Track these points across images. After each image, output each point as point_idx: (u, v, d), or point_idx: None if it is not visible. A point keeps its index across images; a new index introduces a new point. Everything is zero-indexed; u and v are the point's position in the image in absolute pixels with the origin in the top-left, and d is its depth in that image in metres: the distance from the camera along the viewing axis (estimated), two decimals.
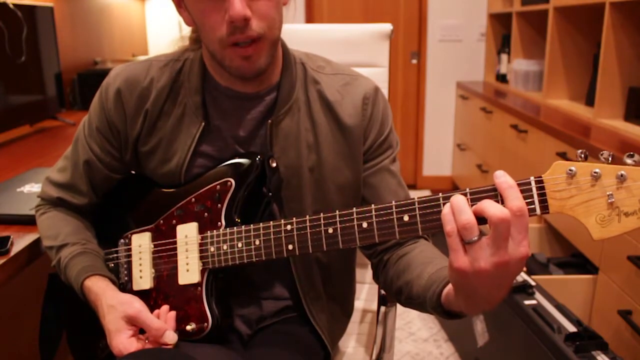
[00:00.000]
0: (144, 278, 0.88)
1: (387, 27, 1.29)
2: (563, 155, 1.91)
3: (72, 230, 0.92)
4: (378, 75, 1.27)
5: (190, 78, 0.90)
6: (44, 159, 1.38)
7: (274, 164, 0.87)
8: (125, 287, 0.90)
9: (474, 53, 3.66)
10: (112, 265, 0.92)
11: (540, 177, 0.63)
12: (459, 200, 0.61)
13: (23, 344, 1.60)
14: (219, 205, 0.85)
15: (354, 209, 0.73)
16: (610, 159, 0.61)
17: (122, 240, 0.92)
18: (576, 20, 2.41)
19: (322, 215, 0.75)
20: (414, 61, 3.73)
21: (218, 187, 0.86)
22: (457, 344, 2.01)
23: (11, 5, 1.53)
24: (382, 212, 0.71)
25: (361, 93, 0.92)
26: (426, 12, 3.60)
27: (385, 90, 1.25)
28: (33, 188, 1.09)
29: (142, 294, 0.87)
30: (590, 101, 2.28)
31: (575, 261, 1.96)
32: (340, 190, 0.90)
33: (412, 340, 2.08)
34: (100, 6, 2.49)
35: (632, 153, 0.60)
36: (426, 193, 4.54)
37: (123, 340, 0.79)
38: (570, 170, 0.61)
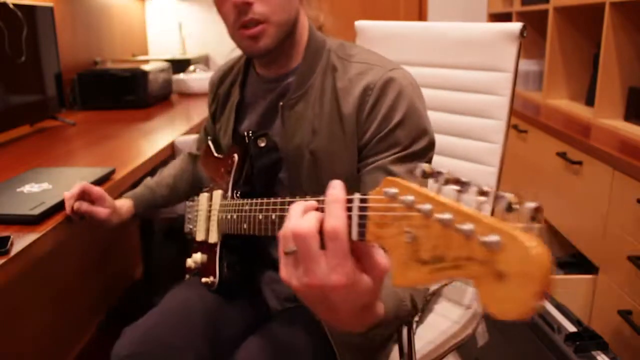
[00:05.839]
0: (200, 231, 1.04)
1: (516, 26, 1.12)
2: (563, 155, 1.91)
3: (166, 174, 1.24)
4: (501, 81, 1.15)
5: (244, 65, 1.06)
6: (44, 159, 1.38)
7: (262, 144, 0.94)
8: (193, 235, 1.08)
9: None
10: (191, 216, 1.13)
11: (367, 194, 0.51)
12: (293, 206, 0.55)
13: (23, 344, 1.59)
14: (228, 177, 0.97)
15: (287, 199, 0.68)
16: (443, 181, 0.44)
17: (195, 197, 1.13)
18: (576, 20, 2.41)
19: (270, 200, 0.74)
20: None
21: (229, 161, 0.98)
22: None
23: (11, 5, 1.53)
24: (286, 205, 0.67)
25: (366, 82, 0.88)
26: (426, 12, 3.60)
27: (506, 98, 1.14)
28: (33, 188, 1.09)
29: (200, 244, 1.03)
30: (590, 101, 2.28)
31: (575, 261, 1.96)
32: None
33: None
34: (100, 6, 2.49)
35: (459, 178, 0.43)
36: None
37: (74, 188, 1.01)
38: (389, 191, 0.47)
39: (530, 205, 0.38)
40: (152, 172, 1.67)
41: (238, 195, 0.94)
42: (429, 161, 0.90)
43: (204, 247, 1.02)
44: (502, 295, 0.37)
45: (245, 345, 0.90)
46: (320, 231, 0.51)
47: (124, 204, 1.13)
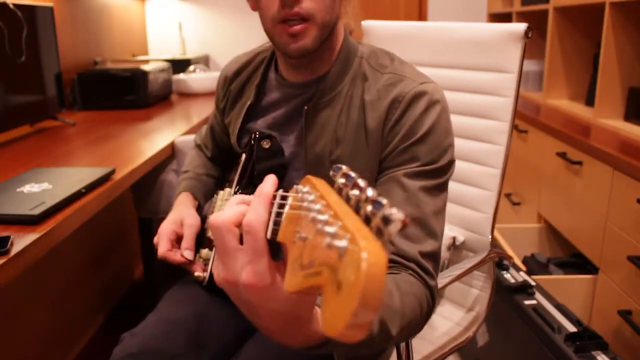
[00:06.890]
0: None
1: (521, 27, 1.12)
2: (563, 155, 1.91)
3: (198, 164, 1.19)
4: (505, 82, 1.16)
5: (263, 64, 1.03)
6: (44, 159, 1.38)
7: (267, 146, 0.92)
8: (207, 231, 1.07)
9: None
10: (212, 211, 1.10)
11: (288, 192, 0.49)
12: (233, 197, 0.54)
13: (22, 344, 1.59)
14: (234, 174, 0.99)
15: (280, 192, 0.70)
16: (343, 180, 0.39)
17: (218, 190, 1.11)
18: (576, 20, 2.41)
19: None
20: None
21: (238, 159, 0.99)
22: None
23: (11, 5, 1.52)
24: None
25: (394, 94, 0.86)
26: (426, 12, 3.60)
27: (510, 100, 1.16)
28: (33, 188, 1.09)
29: (208, 240, 1.03)
30: (590, 101, 2.28)
31: (575, 261, 1.96)
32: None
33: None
34: (100, 6, 2.49)
35: (347, 173, 0.39)
36: None
37: (163, 246, 0.94)
38: (301, 189, 0.44)
39: (390, 211, 0.32)
40: (152, 172, 1.67)
41: (239, 193, 0.95)
42: (447, 180, 0.87)
43: (210, 242, 1.02)
44: (333, 308, 0.31)
45: (242, 351, 0.89)
46: None
47: (191, 206, 1.07)
